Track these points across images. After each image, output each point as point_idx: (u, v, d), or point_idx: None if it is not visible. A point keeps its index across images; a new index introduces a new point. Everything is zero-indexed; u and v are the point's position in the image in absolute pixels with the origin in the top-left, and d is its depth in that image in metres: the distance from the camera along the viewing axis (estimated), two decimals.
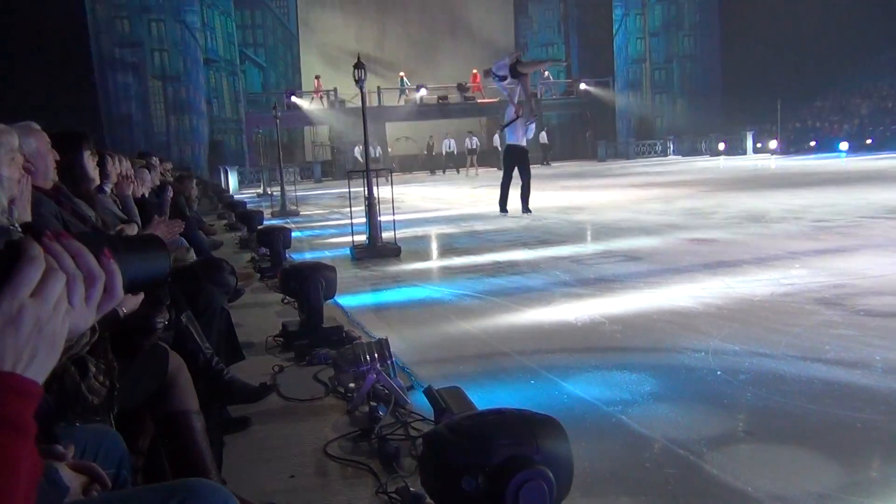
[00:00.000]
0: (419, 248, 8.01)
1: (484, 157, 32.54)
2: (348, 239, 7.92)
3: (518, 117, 10.82)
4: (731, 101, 31.59)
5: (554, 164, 30.78)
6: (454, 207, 13.44)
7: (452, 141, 31.70)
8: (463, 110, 33.57)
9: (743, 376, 3.11)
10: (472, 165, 29.76)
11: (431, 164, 32.57)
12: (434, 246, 8.32)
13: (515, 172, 10.79)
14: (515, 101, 10.99)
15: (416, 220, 10.87)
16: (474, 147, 30.29)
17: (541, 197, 12.87)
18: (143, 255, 0.84)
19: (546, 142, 32.02)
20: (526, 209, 10.72)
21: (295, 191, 16.50)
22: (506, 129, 10.99)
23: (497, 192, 11.13)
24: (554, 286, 5.31)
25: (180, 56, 25.40)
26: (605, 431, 2.62)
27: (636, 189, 14.76)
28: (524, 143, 10.86)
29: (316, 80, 33.10)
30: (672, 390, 3.00)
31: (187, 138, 25.45)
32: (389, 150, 33.77)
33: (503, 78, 11.29)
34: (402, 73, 34.46)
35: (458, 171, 29.81)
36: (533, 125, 11.04)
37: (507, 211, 10.78)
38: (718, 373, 3.17)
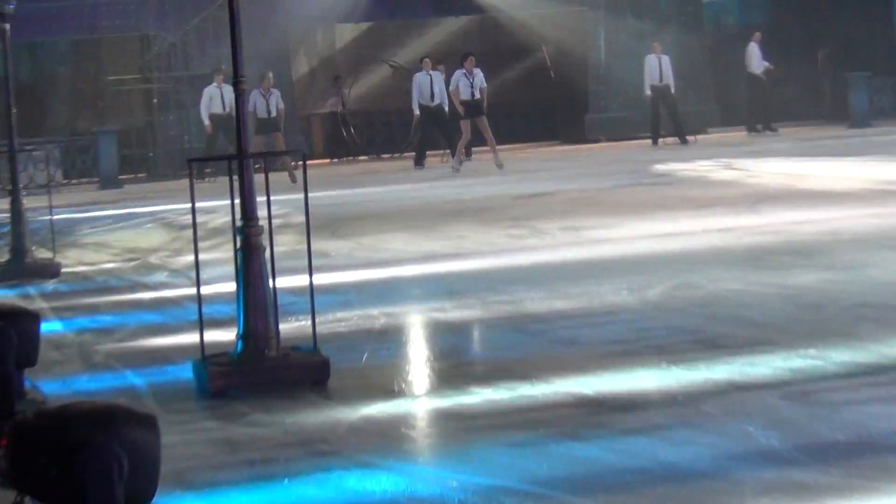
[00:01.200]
0: (377, 363, 6.66)
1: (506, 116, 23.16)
2: (189, 339, 6.84)
3: None
4: None
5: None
6: (465, 251, 11.57)
7: (434, 76, 20.56)
8: None
9: None
10: (467, 147, 19.74)
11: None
12: (417, 354, 7.16)
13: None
14: None
15: (370, 286, 9.25)
16: (477, 96, 19.28)
17: (694, 217, 11.31)
18: None
19: (762, 71, 22.76)
20: None
21: (50, 210, 13.43)
22: None
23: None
24: (741, 465, 4.26)
25: None
26: None
27: None
28: None
29: None
30: None
31: None
32: (348, 91, 25.25)
33: None
34: None
35: (462, 159, 19.85)
36: None
37: None
38: None
